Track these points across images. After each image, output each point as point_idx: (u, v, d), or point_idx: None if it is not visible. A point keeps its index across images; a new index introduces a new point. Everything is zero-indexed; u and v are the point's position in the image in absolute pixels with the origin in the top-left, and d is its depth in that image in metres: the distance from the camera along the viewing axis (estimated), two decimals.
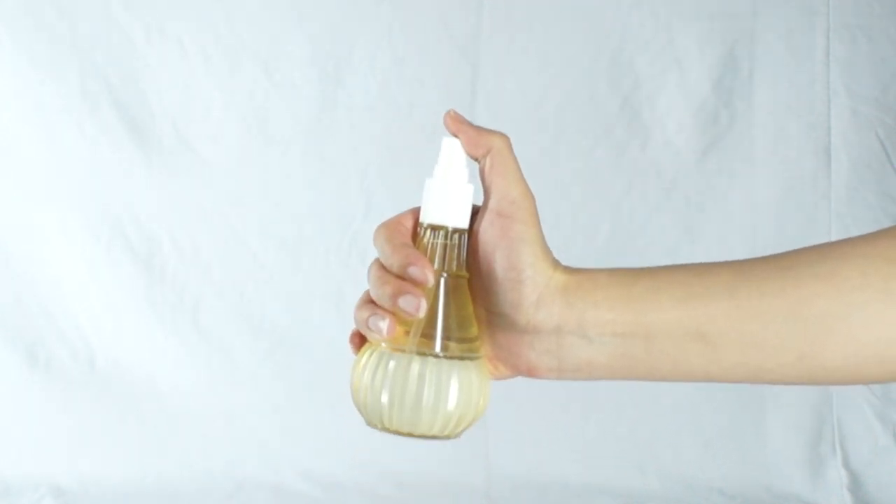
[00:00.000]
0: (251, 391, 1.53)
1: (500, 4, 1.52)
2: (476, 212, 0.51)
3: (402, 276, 0.47)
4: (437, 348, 0.48)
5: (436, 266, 0.49)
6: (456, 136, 0.50)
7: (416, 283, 0.47)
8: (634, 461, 1.56)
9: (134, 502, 1.43)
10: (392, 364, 0.48)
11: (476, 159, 0.50)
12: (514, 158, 0.50)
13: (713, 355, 0.48)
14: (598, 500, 1.50)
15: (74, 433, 1.49)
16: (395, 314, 0.47)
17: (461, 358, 0.48)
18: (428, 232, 0.49)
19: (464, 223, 0.49)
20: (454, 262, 0.49)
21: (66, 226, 1.48)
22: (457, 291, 0.49)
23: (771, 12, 1.56)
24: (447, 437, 0.49)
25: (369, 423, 0.49)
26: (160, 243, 1.50)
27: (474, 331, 0.50)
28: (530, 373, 0.51)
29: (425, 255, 0.49)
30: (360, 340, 0.51)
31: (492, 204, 0.49)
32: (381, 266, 0.49)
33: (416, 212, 0.51)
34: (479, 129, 0.50)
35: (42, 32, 1.45)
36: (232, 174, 1.51)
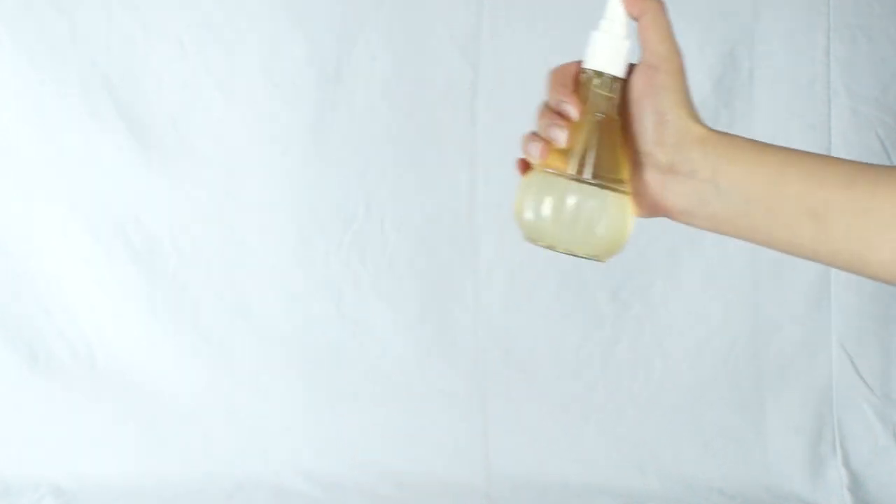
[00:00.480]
0: (251, 391, 1.53)
1: (500, 4, 1.52)
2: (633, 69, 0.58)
3: (557, 112, 0.56)
4: (590, 177, 0.55)
5: (592, 107, 0.57)
6: None
7: (565, 118, 0.56)
8: (634, 461, 1.56)
9: (134, 502, 1.43)
10: (551, 186, 0.56)
11: (635, 19, 0.58)
12: (668, 21, 0.58)
13: (824, 237, 0.54)
14: (598, 500, 1.50)
15: (74, 433, 1.49)
16: (548, 143, 0.56)
17: (611, 189, 0.56)
18: (588, 76, 0.57)
19: (619, 71, 0.57)
20: (608, 105, 0.57)
21: (66, 225, 1.48)
22: (609, 132, 0.57)
23: (771, 12, 1.56)
24: (594, 258, 0.57)
25: (527, 238, 0.57)
26: (160, 243, 1.50)
27: (623, 171, 0.57)
28: (667, 212, 0.58)
29: (584, 96, 0.57)
30: (524, 167, 0.59)
31: (644, 57, 0.57)
32: (544, 103, 0.58)
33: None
34: None
35: (42, 32, 1.44)
36: (232, 174, 1.51)
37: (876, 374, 1.59)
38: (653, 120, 0.56)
